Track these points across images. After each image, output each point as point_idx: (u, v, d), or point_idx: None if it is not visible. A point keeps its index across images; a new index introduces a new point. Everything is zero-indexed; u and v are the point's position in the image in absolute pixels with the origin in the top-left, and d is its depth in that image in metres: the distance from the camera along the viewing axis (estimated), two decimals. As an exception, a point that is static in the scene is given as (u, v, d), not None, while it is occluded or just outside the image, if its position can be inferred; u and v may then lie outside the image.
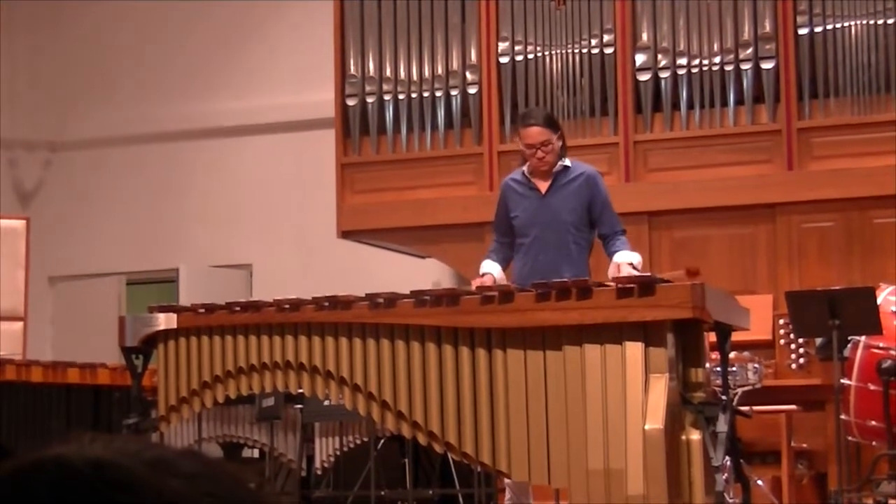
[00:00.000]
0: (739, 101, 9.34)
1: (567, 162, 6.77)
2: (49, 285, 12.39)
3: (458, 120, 9.93)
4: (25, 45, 12.59)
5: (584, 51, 9.66)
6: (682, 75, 9.44)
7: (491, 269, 6.71)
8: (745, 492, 6.07)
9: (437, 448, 5.57)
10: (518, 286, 5.64)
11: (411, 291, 5.61)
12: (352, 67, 10.19)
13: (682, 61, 9.46)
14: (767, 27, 9.29)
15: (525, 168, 6.78)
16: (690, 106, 9.43)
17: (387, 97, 10.09)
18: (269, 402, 8.25)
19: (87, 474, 1.03)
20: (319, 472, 8.62)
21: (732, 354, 6.43)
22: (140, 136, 12.29)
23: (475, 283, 6.42)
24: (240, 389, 6.03)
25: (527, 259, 6.67)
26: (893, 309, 7.48)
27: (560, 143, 6.73)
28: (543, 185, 6.72)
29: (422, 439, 5.56)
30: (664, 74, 9.48)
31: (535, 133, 6.70)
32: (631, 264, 6.49)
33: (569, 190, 6.70)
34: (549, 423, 5.19)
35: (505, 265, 6.81)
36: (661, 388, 4.97)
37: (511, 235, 6.82)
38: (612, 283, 5.26)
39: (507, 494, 6.57)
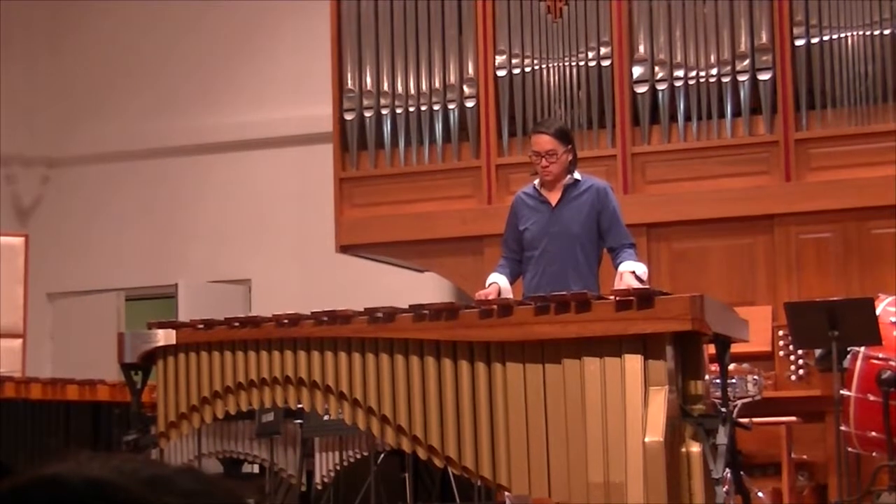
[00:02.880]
0: (737, 113, 9.35)
1: (578, 176, 6.80)
2: (48, 302, 12.39)
3: (455, 133, 9.94)
4: (23, 61, 12.59)
5: (582, 63, 9.67)
6: (679, 87, 9.45)
7: (496, 280, 6.72)
8: (746, 504, 6.06)
9: (437, 462, 5.56)
10: (516, 299, 5.64)
11: (410, 306, 5.61)
12: (349, 82, 10.20)
13: (680, 73, 9.47)
14: (764, 38, 9.30)
15: (537, 182, 6.81)
16: (688, 118, 9.44)
17: (384, 111, 10.09)
18: (269, 417, 8.24)
19: (84, 493, 1.03)
20: (320, 488, 8.60)
21: (732, 366, 6.42)
22: (138, 152, 12.30)
23: (479, 295, 6.44)
24: (239, 405, 6.02)
25: (536, 271, 6.69)
26: (893, 319, 7.48)
27: (569, 157, 6.75)
28: (554, 198, 6.75)
29: (422, 454, 5.56)
30: (661, 86, 9.49)
31: (542, 141, 6.74)
32: (633, 273, 6.50)
33: (578, 203, 6.73)
34: (549, 437, 5.19)
35: (513, 279, 6.82)
36: (660, 400, 4.96)
37: (520, 250, 6.84)
38: (610, 297, 5.25)
39: None
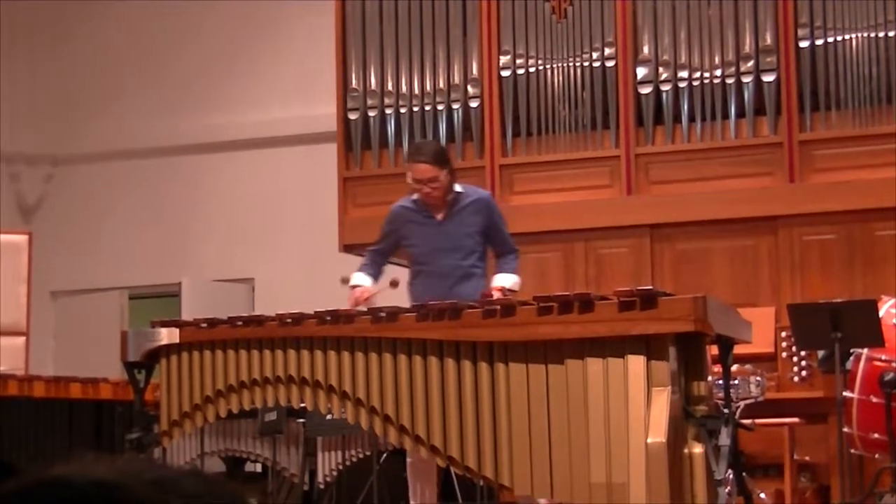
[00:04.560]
0: (741, 114, 9.35)
1: (459, 188, 6.88)
2: (51, 300, 12.40)
3: (459, 133, 9.94)
4: (27, 59, 12.60)
5: (586, 64, 9.67)
6: (683, 88, 9.45)
7: (362, 282, 6.82)
8: (748, 505, 6.06)
9: (440, 462, 5.56)
10: (520, 300, 5.65)
11: (413, 305, 5.61)
12: (353, 81, 10.20)
13: (684, 74, 9.47)
14: (768, 40, 9.30)
15: (417, 195, 6.85)
16: (692, 119, 9.44)
17: (388, 111, 10.10)
18: (272, 416, 8.24)
19: (90, 495, 1.03)
20: (322, 487, 8.61)
21: (734, 367, 6.42)
22: (141, 151, 12.31)
23: (353, 298, 6.56)
24: (242, 404, 6.03)
25: (431, 285, 6.69)
26: (895, 321, 7.47)
27: (449, 178, 6.82)
28: (440, 213, 6.78)
29: (424, 453, 5.56)
30: (665, 87, 9.49)
31: (423, 170, 6.79)
32: (502, 288, 6.61)
33: (465, 215, 6.82)
34: (551, 437, 5.19)
35: (376, 280, 6.92)
36: (663, 401, 4.96)
37: (387, 258, 6.94)
38: (613, 297, 5.25)
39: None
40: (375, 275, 6.96)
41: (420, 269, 6.82)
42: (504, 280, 6.70)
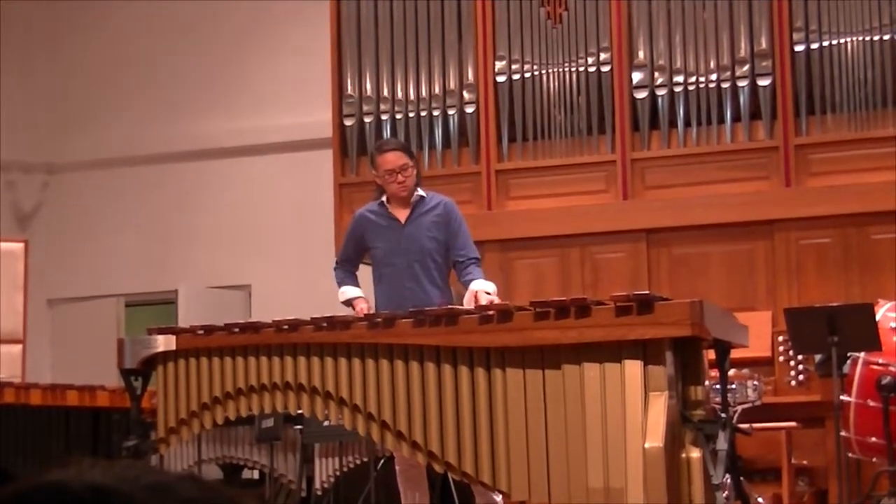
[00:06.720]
0: (736, 118, 9.36)
1: (422, 192, 6.84)
2: (48, 307, 12.38)
3: (455, 139, 9.94)
4: (22, 66, 12.60)
5: (581, 69, 9.68)
6: (678, 93, 9.46)
7: (358, 294, 6.77)
8: (746, 509, 6.06)
9: (437, 468, 5.56)
10: (516, 305, 5.65)
11: (410, 311, 5.61)
12: (349, 88, 10.21)
13: (679, 79, 9.47)
14: (764, 44, 9.31)
15: (384, 198, 6.81)
16: (688, 123, 9.44)
17: (384, 117, 10.10)
18: (269, 423, 8.24)
19: (87, 500, 1.03)
20: (319, 493, 8.60)
21: (732, 372, 6.43)
22: (137, 158, 12.30)
23: (361, 309, 6.50)
24: (239, 411, 6.02)
25: (393, 287, 6.68)
26: (892, 325, 7.48)
27: (415, 171, 6.82)
28: (402, 215, 6.77)
29: (421, 459, 5.56)
30: (661, 92, 9.50)
31: (394, 158, 6.76)
32: (487, 293, 6.53)
33: (428, 218, 6.77)
34: (548, 442, 5.19)
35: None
36: (660, 406, 4.96)
37: (357, 267, 6.91)
38: (610, 302, 5.25)
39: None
40: (357, 284, 6.93)
41: (384, 271, 6.79)
42: (485, 285, 6.64)
